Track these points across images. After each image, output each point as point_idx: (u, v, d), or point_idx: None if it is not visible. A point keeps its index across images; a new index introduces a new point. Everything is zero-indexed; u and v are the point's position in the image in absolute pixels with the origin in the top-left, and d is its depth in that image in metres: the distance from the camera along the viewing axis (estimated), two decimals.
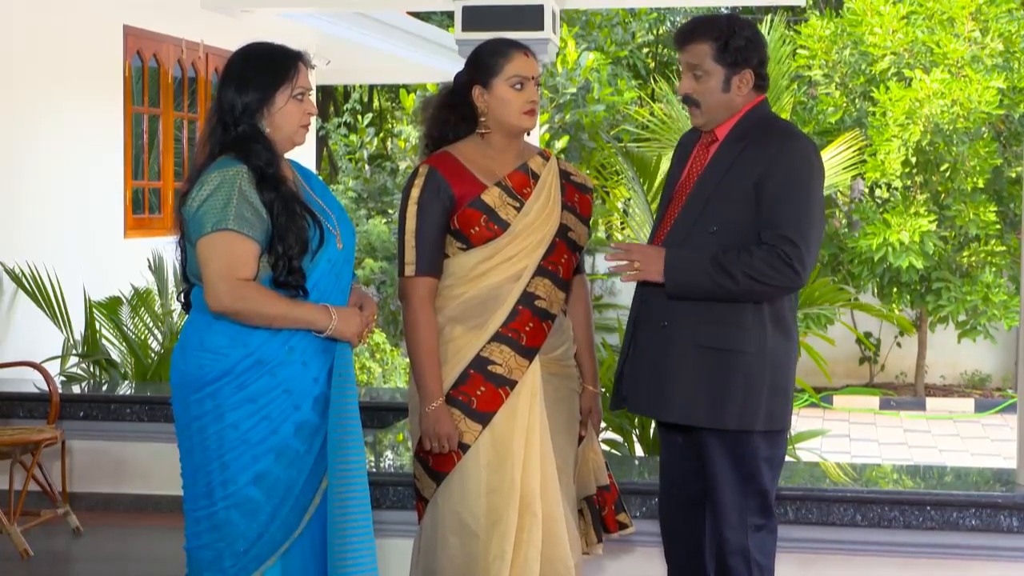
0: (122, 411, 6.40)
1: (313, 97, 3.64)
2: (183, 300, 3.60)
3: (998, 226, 12.33)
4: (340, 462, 3.48)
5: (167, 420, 6.25)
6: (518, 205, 3.73)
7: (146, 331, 7.67)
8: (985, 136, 12.23)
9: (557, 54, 13.38)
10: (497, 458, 3.67)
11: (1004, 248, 12.50)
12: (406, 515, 4.54)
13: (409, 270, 3.71)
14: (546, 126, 14.61)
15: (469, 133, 3.82)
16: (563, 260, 3.79)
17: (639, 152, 10.22)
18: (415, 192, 3.72)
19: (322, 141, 16.19)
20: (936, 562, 4.56)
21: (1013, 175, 12.52)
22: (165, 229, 9.23)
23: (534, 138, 8.69)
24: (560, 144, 14.56)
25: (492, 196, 3.72)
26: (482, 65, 3.76)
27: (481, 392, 3.69)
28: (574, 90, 14.87)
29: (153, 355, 7.44)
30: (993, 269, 12.53)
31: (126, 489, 6.41)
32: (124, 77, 8.76)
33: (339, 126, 15.21)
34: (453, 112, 3.82)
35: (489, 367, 3.70)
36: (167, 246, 7.99)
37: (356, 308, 3.57)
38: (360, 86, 17.03)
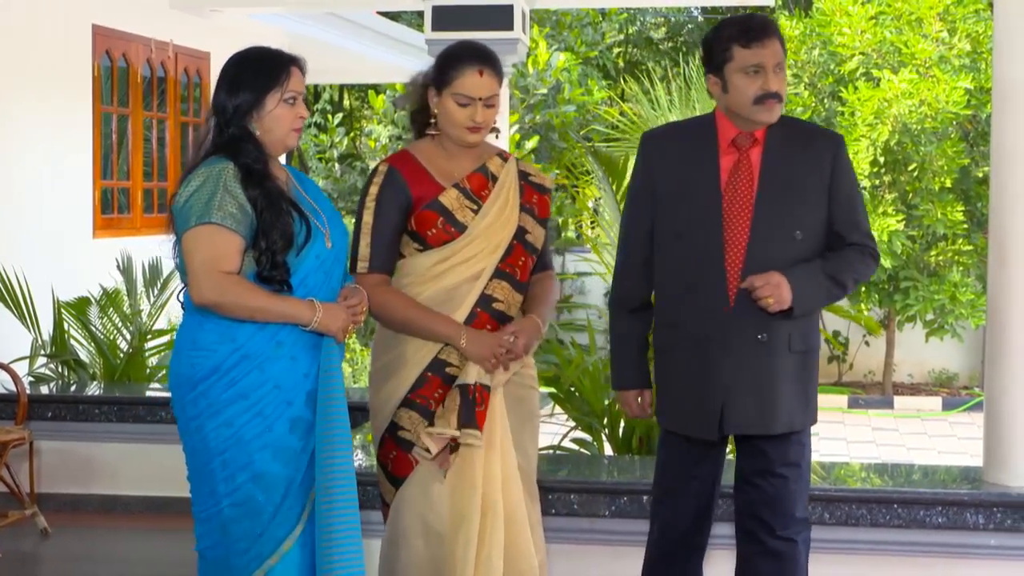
0: (90, 412, 6.37)
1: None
2: (181, 300, 3.62)
3: (965, 226, 12.39)
4: (326, 458, 3.48)
5: (135, 421, 6.24)
6: (476, 208, 3.70)
7: (115, 331, 7.62)
8: (953, 136, 12.29)
9: (528, 55, 13.38)
10: (459, 459, 3.66)
11: (971, 247, 12.55)
12: None
13: (361, 267, 3.70)
14: (516, 126, 14.61)
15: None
16: (520, 262, 3.76)
17: (608, 152, 10.25)
18: (374, 190, 3.70)
19: None
20: (903, 559, 4.59)
21: (980, 175, 12.58)
22: (134, 229, 9.20)
23: (504, 139, 8.69)
24: (531, 144, 14.56)
25: (449, 198, 3.69)
26: (438, 69, 3.71)
27: (439, 395, 3.68)
28: (545, 90, 14.88)
29: (122, 355, 7.40)
30: (960, 268, 12.58)
31: (94, 490, 6.37)
32: (93, 76, 8.71)
33: (309, 126, 15.19)
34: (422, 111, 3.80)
35: (447, 369, 3.69)
36: (136, 246, 7.99)
37: (342, 303, 3.56)
38: (330, 86, 17.00)
